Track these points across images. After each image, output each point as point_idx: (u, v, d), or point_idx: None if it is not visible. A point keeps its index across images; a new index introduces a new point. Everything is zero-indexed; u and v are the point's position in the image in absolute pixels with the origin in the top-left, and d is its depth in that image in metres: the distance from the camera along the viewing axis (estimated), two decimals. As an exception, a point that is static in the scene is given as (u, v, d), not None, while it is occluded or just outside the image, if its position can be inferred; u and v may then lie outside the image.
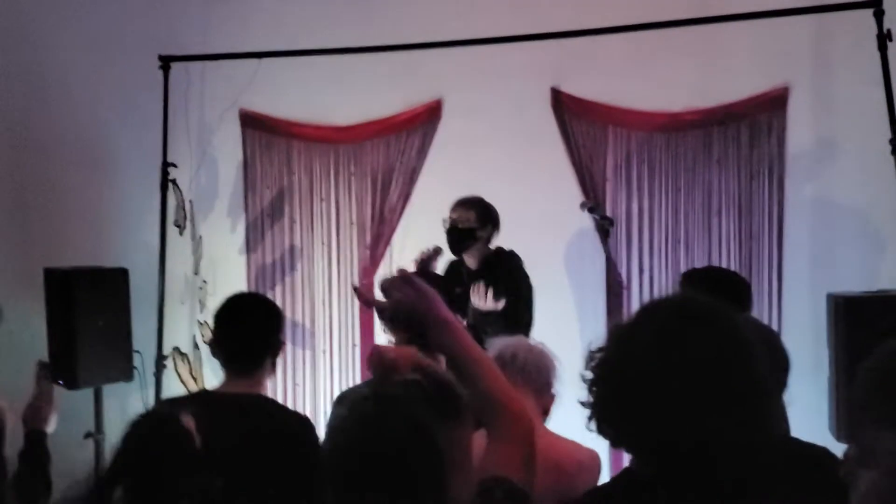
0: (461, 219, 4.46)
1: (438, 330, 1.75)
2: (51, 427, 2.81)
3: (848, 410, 2.79)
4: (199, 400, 2.90)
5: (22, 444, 2.77)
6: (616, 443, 1.53)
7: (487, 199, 4.78)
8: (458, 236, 4.46)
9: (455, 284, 4.31)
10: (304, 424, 2.74)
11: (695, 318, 1.49)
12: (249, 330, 2.80)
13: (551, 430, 2.75)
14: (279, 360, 3.37)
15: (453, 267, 4.55)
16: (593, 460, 2.63)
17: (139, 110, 5.29)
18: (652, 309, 1.58)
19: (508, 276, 4.31)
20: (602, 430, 1.53)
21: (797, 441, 2.13)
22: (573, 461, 2.56)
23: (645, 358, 1.46)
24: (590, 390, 1.55)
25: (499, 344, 2.69)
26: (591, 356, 1.57)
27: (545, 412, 2.73)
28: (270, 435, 2.60)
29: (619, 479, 1.63)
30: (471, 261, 4.47)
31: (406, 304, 1.76)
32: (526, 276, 4.40)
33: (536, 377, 2.65)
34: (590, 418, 1.54)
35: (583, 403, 1.56)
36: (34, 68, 4.73)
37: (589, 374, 1.56)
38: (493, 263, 4.41)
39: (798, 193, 4.80)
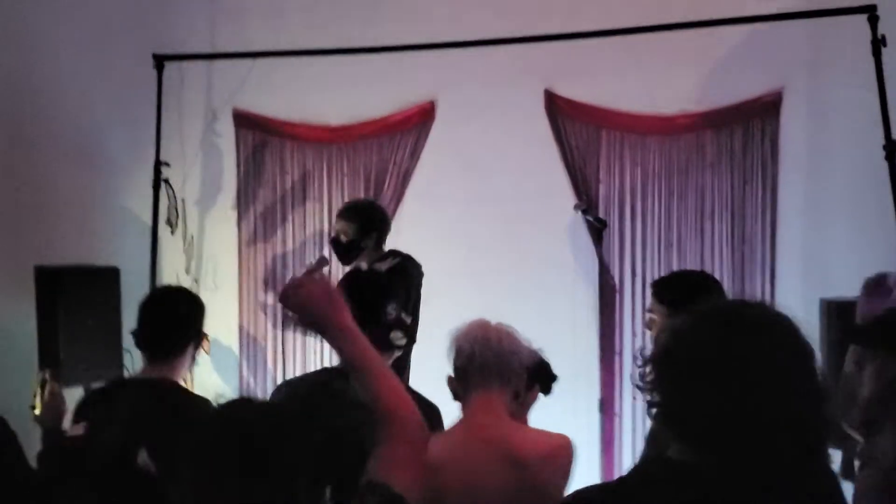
0: (342, 231, 4.50)
1: (333, 335, 1.84)
2: (66, 424, 2.90)
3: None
4: (114, 385, 3.14)
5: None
6: (680, 436, 1.55)
7: (480, 199, 4.80)
8: (342, 249, 4.51)
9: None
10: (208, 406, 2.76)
11: (759, 323, 1.54)
12: (168, 318, 2.90)
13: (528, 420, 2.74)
14: (274, 359, 3.39)
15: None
16: (561, 448, 2.52)
17: (132, 109, 5.28)
18: (716, 311, 1.62)
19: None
20: (669, 424, 1.56)
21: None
22: (535, 454, 2.47)
23: (714, 354, 1.50)
24: (652, 387, 1.58)
25: (459, 338, 2.59)
26: (651, 355, 1.61)
27: (518, 399, 2.65)
28: (172, 416, 2.62)
29: (653, 465, 1.65)
30: (363, 264, 4.45)
31: (306, 310, 1.85)
32: (407, 280, 4.30)
33: (499, 372, 2.56)
34: (655, 414, 1.58)
35: (649, 403, 1.59)
36: (26, 66, 4.71)
37: (649, 372, 1.59)
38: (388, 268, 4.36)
39: (791, 198, 4.80)
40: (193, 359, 2.95)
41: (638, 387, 1.61)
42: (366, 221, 4.49)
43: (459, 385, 2.60)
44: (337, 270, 4.68)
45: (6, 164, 4.60)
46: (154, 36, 5.32)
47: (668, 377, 1.55)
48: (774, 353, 1.49)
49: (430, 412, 2.66)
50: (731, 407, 1.46)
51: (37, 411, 2.99)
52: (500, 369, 2.55)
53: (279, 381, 5.41)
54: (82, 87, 4.96)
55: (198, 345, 2.95)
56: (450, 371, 2.62)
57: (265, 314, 5.50)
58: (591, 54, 4.88)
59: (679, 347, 1.55)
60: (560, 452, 2.51)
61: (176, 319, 2.91)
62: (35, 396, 3.02)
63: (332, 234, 4.59)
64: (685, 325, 1.57)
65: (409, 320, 4.07)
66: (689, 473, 1.50)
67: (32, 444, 2.79)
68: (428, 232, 5.09)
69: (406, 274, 4.31)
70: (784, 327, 1.53)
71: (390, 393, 1.81)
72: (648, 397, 1.58)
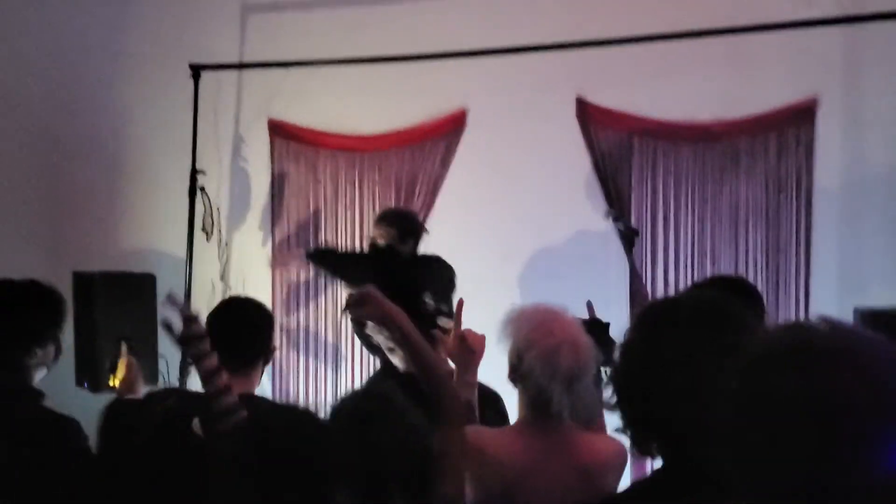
0: (381, 235, 4.51)
1: (392, 329, 2.37)
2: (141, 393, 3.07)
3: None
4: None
5: None
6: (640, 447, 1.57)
7: (511, 208, 4.79)
8: (380, 254, 4.52)
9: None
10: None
11: (692, 322, 1.52)
12: (244, 331, 2.83)
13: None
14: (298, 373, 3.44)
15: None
16: (619, 455, 2.58)
17: (170, 118, 5.36)
18: (650, 316, 1.61)
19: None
20: (635, 446, 1.59)
21: None
22: (600, 461, 2.55)
23: (650, 368, 1.51)
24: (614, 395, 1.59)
25: (522, 348, 2.55)
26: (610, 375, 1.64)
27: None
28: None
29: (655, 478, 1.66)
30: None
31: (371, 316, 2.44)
32: (433, 273, 4.31)
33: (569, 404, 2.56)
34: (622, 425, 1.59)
35: (617, 430, 1.61)
36: (66, 76, 4.81)
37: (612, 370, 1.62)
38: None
39: (826, 206, 4.74)
40: (262, 373, 2.90)
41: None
42: (405, 226, 4.52)
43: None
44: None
45: (45, 172, 4.69)
46: (191, 46, 5.40)
47: (626, 393, 1.55)
48: (707, 350, 1.44)
49: (494, 401, 2.72)
50: (675, 411, 1.46)
51: (114, 382, 3.09)
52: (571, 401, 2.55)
53: (310, 395, 5.46)
54: (121, 97, 5.05)
55: (268, 359, 2.90)
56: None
57: (297, 332, 5.51)
58: (623, 61, 4.86)
59: (626, 361, 1.56)
60: (618, 458, 2.58)
61: (249, 332, 2.84)
62: (113, 368, 3.16)
63: (370, 240, 4.60)
64: (628, 338, 1.58)
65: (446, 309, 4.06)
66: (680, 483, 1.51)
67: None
68: (459, 240, 5.09)
69: (430, 267, 4.34)
70: (720, 320, 1.51)
71: (441, 376, 2.30)
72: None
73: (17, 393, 2.68)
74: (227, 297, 3.03)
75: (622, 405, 1.56)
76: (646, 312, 1.63)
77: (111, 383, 3.27)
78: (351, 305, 2.44)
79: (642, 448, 1.57)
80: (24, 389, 2.72)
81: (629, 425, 1.57)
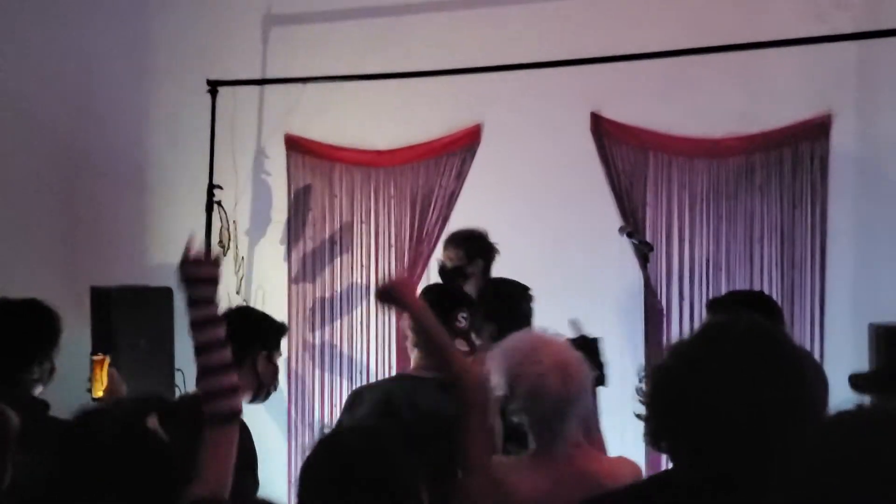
0: (448, 258, 4.51)
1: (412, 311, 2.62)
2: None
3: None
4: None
5: None
6: (672, 454, 1.59)
7: (526, 222, 4.79)
8: (449, 276, 4.49)
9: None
10: None
11: (752, 338, 1.55)
12: None
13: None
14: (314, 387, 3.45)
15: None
16: (634, 477, 2.54)
17: (187, 133, 5.42)
18: (713, 328, 1.66)
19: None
20: (656, 442, 1.59)
21: None
22: (615, 484, 2.54)
23: (705, 373, 1.53)
24: (647, 404, 1.61)
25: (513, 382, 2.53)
26: (650, 371, 1.66)
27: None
28: None
29: (656, 480, 1.68)
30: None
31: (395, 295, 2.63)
32: (498, 305, 4.12)
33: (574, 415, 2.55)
34: (646, 431, 1.60)
35: (638, 416, 1.63)
36: (84, 90, 4.87)
37: (646, 388, 1.63)
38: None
39: (841, 222, 4.72)
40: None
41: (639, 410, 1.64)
42: (472, 247, 4.51)
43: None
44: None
45: (66, 188, 4.75)
46: (208, 62, 5.45)
47: (661, 392, 1.58)
48: (760, 366, 1.51)
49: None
50: (719, 419, 1.48)
51: (96, 393, 3.14)
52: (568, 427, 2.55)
53: (325, 406, 5.46)
54: (140, 113, 5.12)
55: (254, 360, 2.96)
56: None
57: (314, 346, 5.54)
58: (638, 77, 4.88)
59: (674, 364, 1.58)
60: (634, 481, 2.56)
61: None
62: (93, 380, 3.21)
63: (439, 263, 4.61)
64: (685, 341, 1.62)
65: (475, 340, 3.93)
66: (686, 487, 1.53)
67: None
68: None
69: (489, 288, 4.26)
70: (773, 340, 1.55)
71: (458, 358, 2.51)
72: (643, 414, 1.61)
73: (24, 404, 2.72)
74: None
75: (655, 406, 1.59)
76: (708, 324, 1.72)
77: (94, 394, 3.35)
78: (378, 292, 2.64)
79: (656, 444, 1.59)
80: (30, 401, 2.77)
81: (656, 424, 1.59)
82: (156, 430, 2.22)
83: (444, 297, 3.22)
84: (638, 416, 1.62)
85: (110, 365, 3.35)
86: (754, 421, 1.47)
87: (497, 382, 2.52)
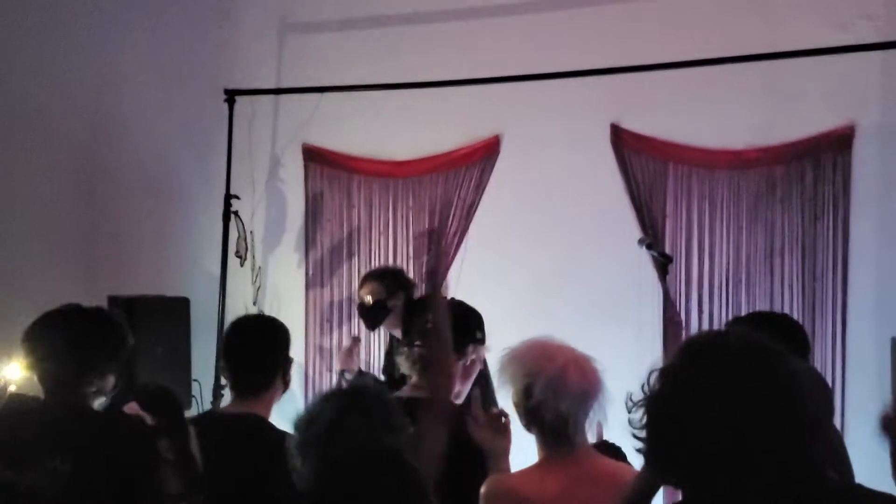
0: (366, 293, 4.45)
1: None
2: None
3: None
4: (202, 420, 2.97)
5: None
6: (670, 481, 1.55)
7: (545, 234, 4.76)
8: (368, 312, 4.46)
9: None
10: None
11: (742, 354, 1.51)
12: (256, 351, 2.82)
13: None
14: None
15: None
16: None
17: (204, 143, 5.42)
18: (699, 345, 1.60)
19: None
20: (656, 470, 1.55)
21: (861, 487, 2.07)
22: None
23: (695, 396, 1.49)
24: (643, 430, 1.57)
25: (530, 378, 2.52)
26: (642, 395, 1.59)
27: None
28: (261, 454, 2.62)
29: None
30: (396, 331, 4.28)
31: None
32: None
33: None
34: (645, 458, 1.57)
35: (638, 450, 1.58)
36: (102, 100, 4.87)
37: (640, 415, 1.57)
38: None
39: (863, 234, 4.67)
40: (284, 387, 2.90)
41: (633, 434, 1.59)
42: (393, 280, 4.47)
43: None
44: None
45: (83, 197, 4.75)
46: (226, 71, 5.46)
47: (656, 416, 1.54)
48: (758, 384, 1.47)
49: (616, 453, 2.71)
50: (716, 441, 1.45)
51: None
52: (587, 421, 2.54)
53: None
54: (157, 122, 5.11)
55: (287, 374, 2.90)
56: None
57: (331, 353, 5.52)
58: (658, 87, 4.85)
59: (667, 386, 1.54)
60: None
61: (266, 353, 2.85)
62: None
63: (358, 301, 4.56)
64: (673, 364, 1.57)
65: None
66: None
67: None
68: (492, 265, 5.10)
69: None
70: (769, 356, 1.51)
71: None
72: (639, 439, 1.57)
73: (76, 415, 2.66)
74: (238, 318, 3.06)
75: (653, 429, 1.54)
76: (692, 342, 1.63)
77: None
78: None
79: (660, 473, 1.57)
80: (80, 411, 2.69)
81: (655, 449, 1.55)
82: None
83: (469, 317, 3.12)
84: (639, 450, 1.58)
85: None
86: (752, 441, 1.44)
87: (514, 388, 2.51)
